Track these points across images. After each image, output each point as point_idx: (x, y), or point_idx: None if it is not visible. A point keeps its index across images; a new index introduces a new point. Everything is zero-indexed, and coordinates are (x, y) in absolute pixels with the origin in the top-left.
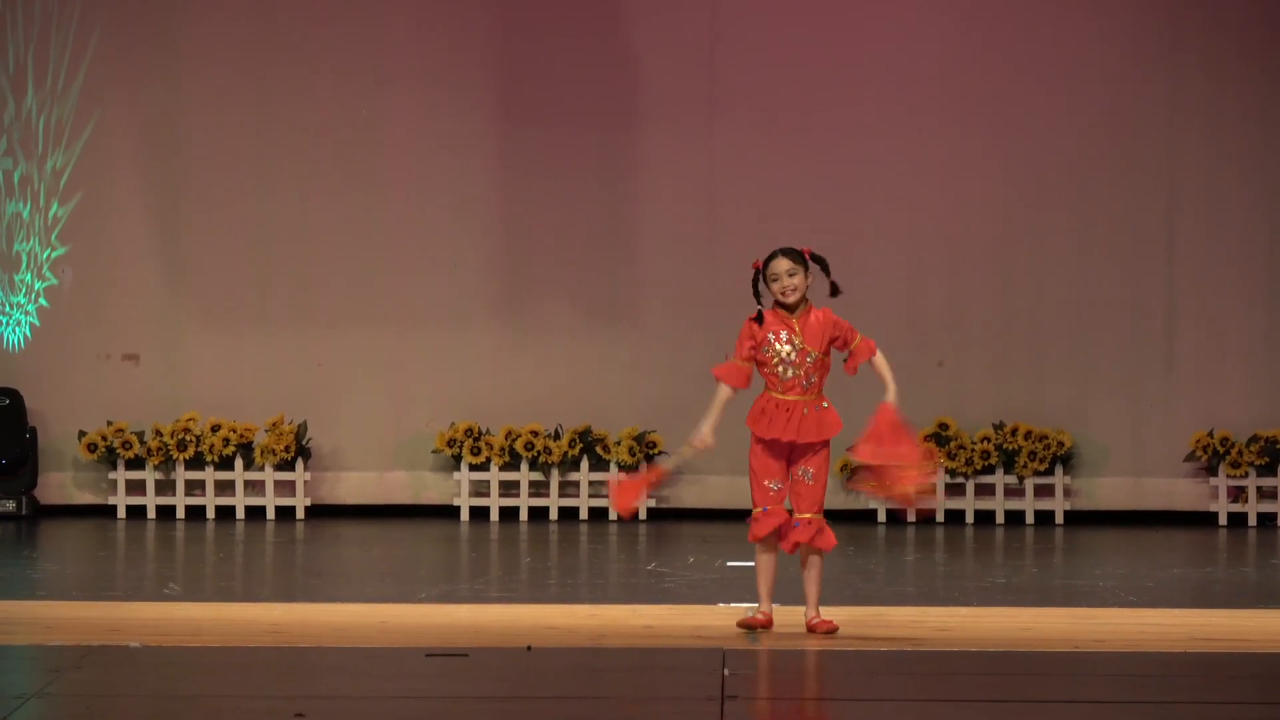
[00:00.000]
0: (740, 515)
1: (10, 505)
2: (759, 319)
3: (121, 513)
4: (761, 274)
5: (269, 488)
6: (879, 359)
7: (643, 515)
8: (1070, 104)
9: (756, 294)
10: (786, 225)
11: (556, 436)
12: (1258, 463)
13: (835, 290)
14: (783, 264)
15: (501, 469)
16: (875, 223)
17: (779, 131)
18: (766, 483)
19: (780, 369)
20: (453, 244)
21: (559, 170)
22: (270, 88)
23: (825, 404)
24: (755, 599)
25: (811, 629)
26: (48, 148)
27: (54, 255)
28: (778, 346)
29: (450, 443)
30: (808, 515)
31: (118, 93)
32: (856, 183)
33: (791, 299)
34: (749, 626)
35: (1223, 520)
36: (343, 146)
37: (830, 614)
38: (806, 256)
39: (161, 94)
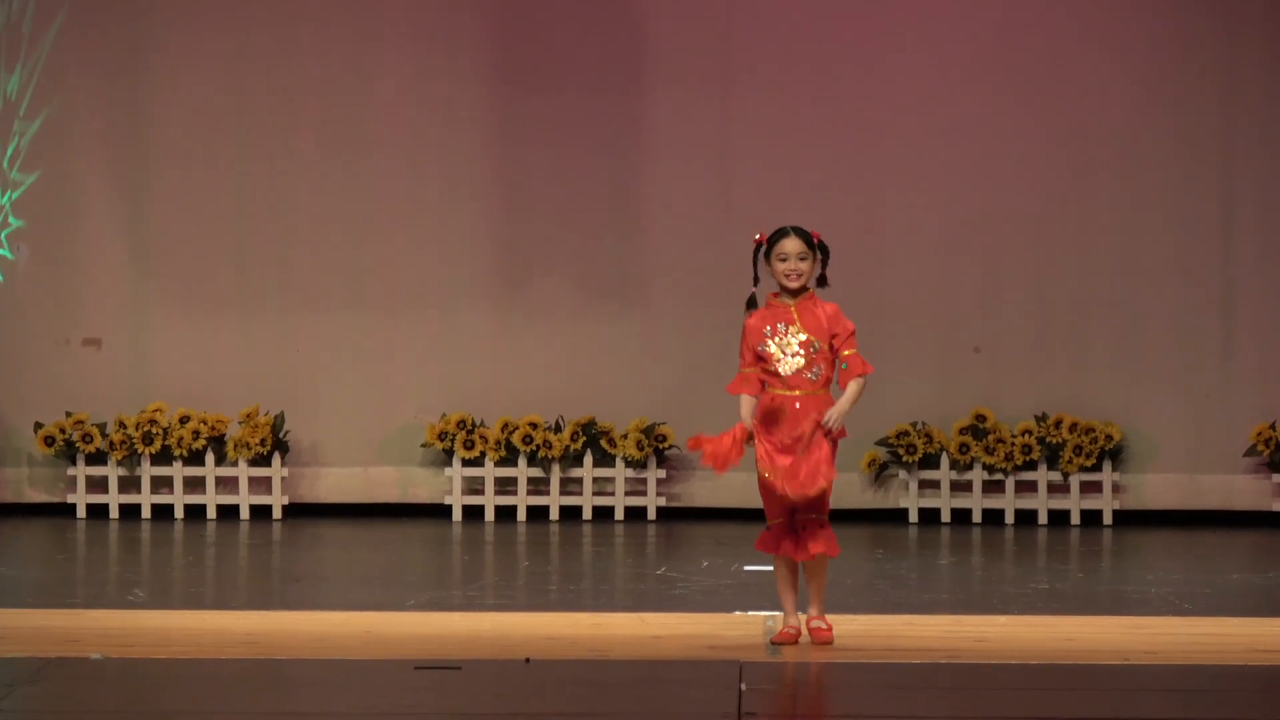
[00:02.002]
0: (757, 515)
1: None
2: (751, 303)
3: (81, 512)
4: (765, 249)
5: (243, 485)
6: (855, 381)
7: (652, 514)
8: (1119, 68)
9: (755, 270)
10: (807, 199)
11: (557, 429)
12: None
13: (822, 280)
14: (794, 244)
15: (497, 464)
16: (903, 196)
17: (799, 97)
18: (779, 492)
19: (781, 365)
20: (445, 219)
21: (561, 139)
22: (246, 48)
23: (830, 401)
24: (774, 605)
25: (809, 631)
26: (6, 115)
27: (6, 233)
28: (776, 341)
29: (441, 436)
30: (813, 516)
31: (81, 55)
32: (884, 153)
33: (795, 284)
34: (782, 643)
35: None
36: (325, 113)
37: (858, 623)
38: (816, 241)
39: (127, 56)
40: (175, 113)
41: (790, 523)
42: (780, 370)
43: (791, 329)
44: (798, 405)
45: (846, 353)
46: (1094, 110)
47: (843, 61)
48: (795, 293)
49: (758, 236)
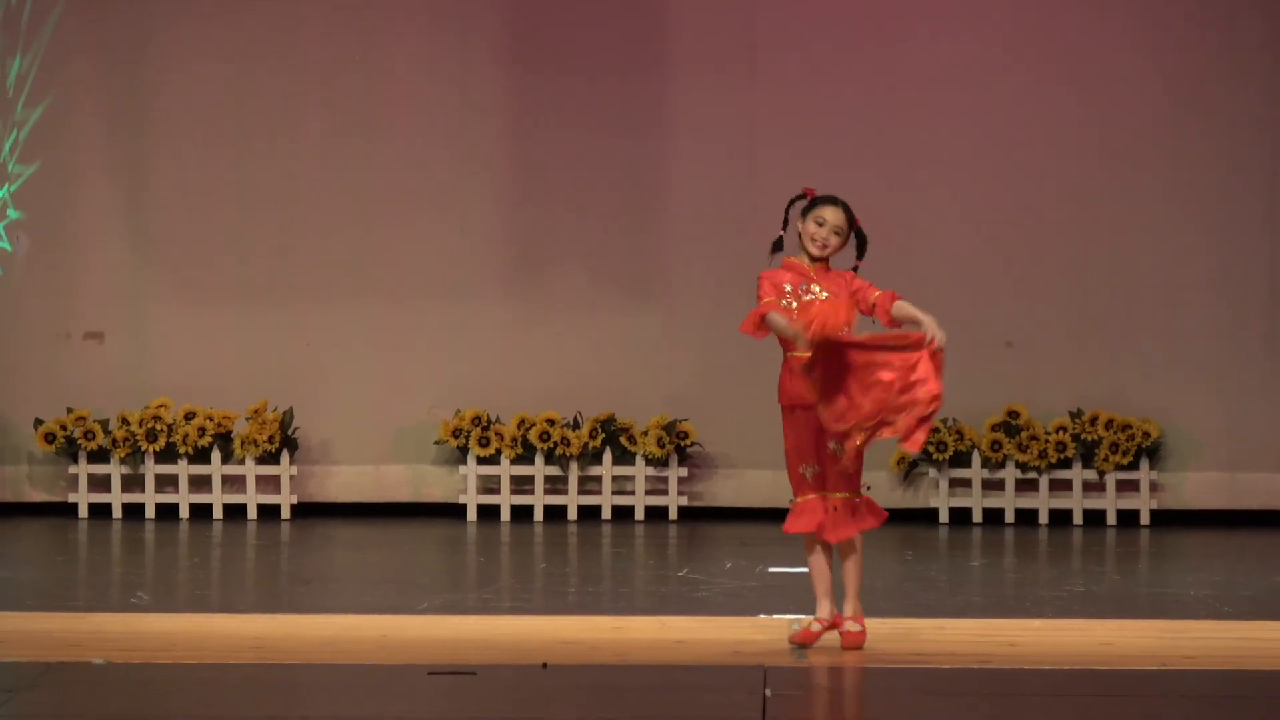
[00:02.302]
0: (782, 515)
1: None
2: (778, 245)
3: (83, 511)
4: (806, 205)
5: (250, 483)
6: (900, 303)
7: (674, 514)
8: (1160, 49)
9: (786, 216)
10: (835, 184)
11: (576, 425)
12: None
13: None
14: (836, 215)
15: (513, 462)
16: (936, 182)
17: (828, 77)
18: (801, 469)
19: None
20: (459, 206)
21: (579, 122)
22: (249, 30)
23: None
24: (800, 608)
25: (838, 629)
26: (5, 105)
27: (5, 225)
28: (798, 298)
29: (455, 433)
30: (844, 495)
31: (81, 42)
32: (916, 136)
33: (819, 252)
34: (803, 643)
35: None
36: (331, 96)
37: (886, 627)
38: (856, 226)
39: (128, 41)
40: (177, 98)
41: (823, 500)
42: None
43: (813, 287)
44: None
45: (876, 293)
46: (1134, 93)
47: (874, 40)
48: (814, 259)
49: (807, 189)
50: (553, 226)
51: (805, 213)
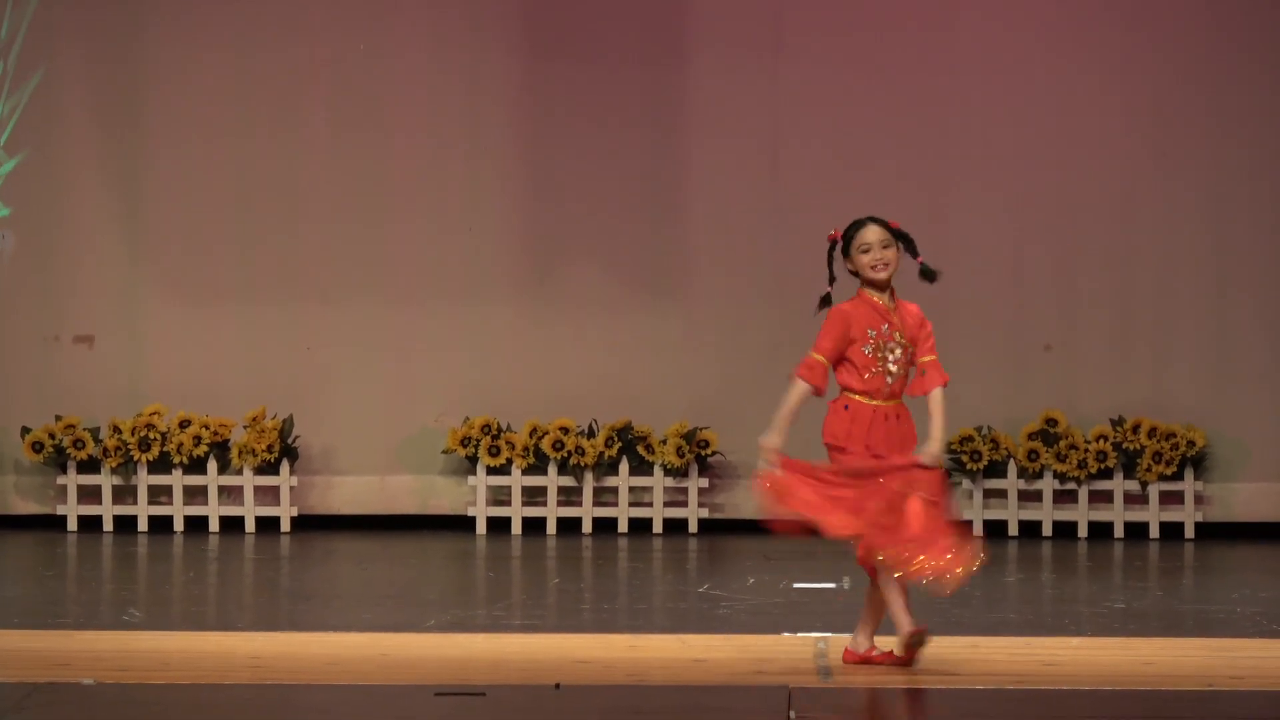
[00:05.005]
0: (811, 529)
1: None
2: (826, 301)
3: (72, 524)
4: (841, 245)
5: (248, 495)
6: (938, 394)
7: (694, 526)
8: (1207, 39)
9: (831, 271)
10: (864, 179)
11: (591, 434)
12: None
13: (929, 273)
14: (876, 232)
15: (525, 472)
16: (970, 177)
17: (856, 67)
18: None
19: (890, 370)
20: (468, 202)
21: (594, 113)
22: (251, 17)
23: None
24: (828, 626)
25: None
26: None
27: None
28: (881, 346)
29: (464, 441)
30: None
31: (71, 25)
32: (949, 129)
33: (884, 274)
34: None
35: None
36: (336, 86)
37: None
38: (895, 228)
39: (121, 26)
40: (174, 87)
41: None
42: (889, 377)
43: (896, 334)
44: (888, 418)
45: (928, 358)
46: (1179, 85)
47: (905, 28)
48: (884, 287)
49: (832, 233)
50: (567, 223)
51: (846, 251)
